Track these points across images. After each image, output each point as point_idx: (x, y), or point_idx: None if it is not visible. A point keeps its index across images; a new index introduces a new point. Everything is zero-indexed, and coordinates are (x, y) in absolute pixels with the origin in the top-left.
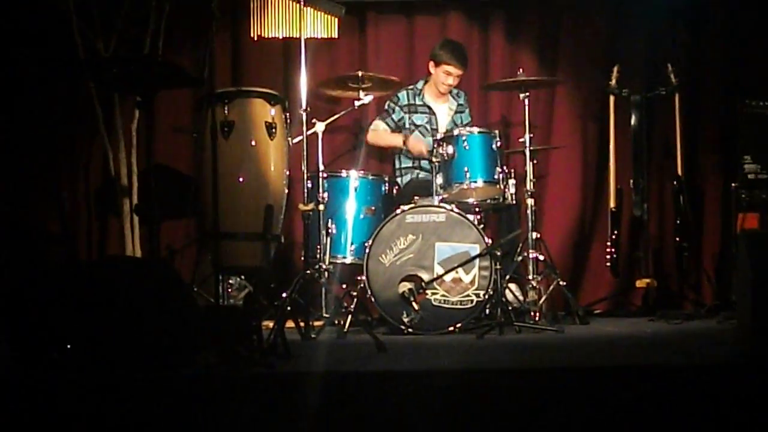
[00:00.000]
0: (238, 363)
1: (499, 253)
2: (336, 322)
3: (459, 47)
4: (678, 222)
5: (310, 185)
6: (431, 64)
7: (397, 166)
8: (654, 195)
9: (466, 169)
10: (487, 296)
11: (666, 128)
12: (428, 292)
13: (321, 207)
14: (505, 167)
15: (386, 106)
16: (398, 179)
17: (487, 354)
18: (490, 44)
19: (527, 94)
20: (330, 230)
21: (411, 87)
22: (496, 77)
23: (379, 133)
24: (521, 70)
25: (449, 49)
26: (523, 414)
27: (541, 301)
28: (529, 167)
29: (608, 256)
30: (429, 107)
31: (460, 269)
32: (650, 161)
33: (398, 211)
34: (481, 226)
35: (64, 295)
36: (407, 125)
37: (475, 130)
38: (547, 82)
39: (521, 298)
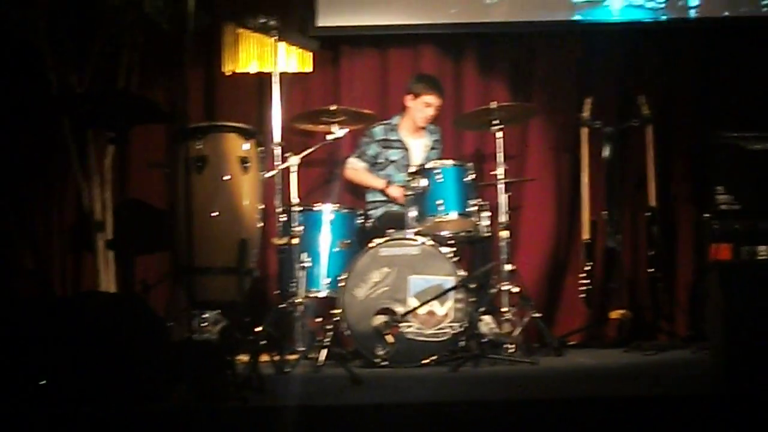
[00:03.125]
0: (212, 397)
1: (473, 286)
2: (310, 355)
3: (434, 78)
4: (651, 253)
5: (284, 219)
6: (409, 97)
7: (369, 199)
8: (627, 226)
9: (439, 201)
10: (461, 329)
11: (639, 160)
12: (402, 325)
13: (295, 241)
14: (478, 200)
15: (360, 143)
16: (371, 212)
17: (461, 387)
18: (463, 77)
19: (500, 126)
20: (304, 264)
21: (386, 122)
22: (470, 110)
23: (359, 172)
24: (494, 103)
25: (426, 81)
26: None
27: (515, 333)
28: (502, 199)
29: (582, 288)
30: (403, 143)
31: (434, 302)
32: (623, 193)
33: (372, 244)
34: (455, 258)
35: (38, 331)
36: (381, 160)
37: (449, 162)
38: (520, 108)
39: (496, 330)
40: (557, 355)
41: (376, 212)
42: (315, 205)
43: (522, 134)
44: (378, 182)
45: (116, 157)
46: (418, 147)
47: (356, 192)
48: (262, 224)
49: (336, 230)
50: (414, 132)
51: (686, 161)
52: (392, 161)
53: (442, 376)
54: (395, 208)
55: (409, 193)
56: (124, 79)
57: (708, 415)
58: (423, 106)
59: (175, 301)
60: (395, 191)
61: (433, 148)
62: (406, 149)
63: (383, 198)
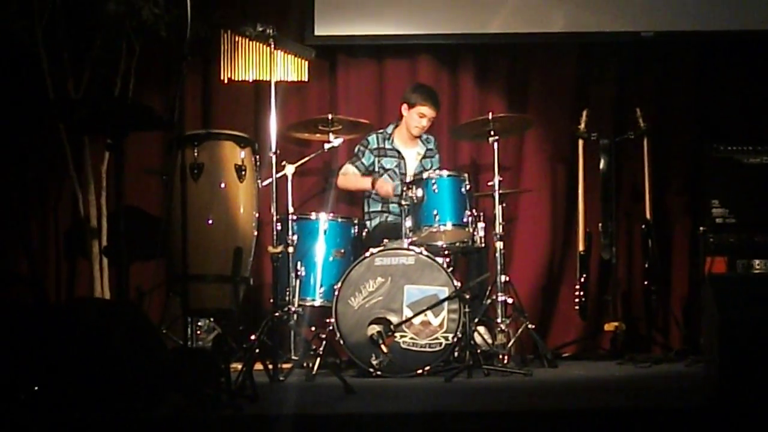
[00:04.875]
0: (206, 405)
1: (468, 296)
2: (304, 364)
3: (431, 90)
4: (646, 265)
5: (279, 227)
6: (404, 107)
7: (366, 209)
8: (622, 238)
9: (435, 212)
10: (455, 339)
11: (634, 172)
12: (397, 334)
13: (290, 249)
14: (474, 210)
15: (356, 150)
16: (367, 222)
17: (455, 397)
18: (460, 88)
19: (496, 137)
20: (299, 273)
21: (381, 131)
22: (466, 120)
23: (349, 177)
24: (491, 114)
25: (422, 92)
26: None
27: (509, 344)
28: (498, 210)
29: (577, 300)
30: (398, 151)
31: (428, 312)
32: (619, 205)
33: (367, 253)
34: (450, 269)
35: (33, 337)
36: (377, 169)
37: (445, 173)
38: (516, 120)
39: (490, 341)
40: (551, 367)
41: (373, 222)
42: (310, 213)
43: (518, 145)
44: (364, 182)
45: (112, 163)
46: (412, 156)
47: (352, 201)
48: (257, 232)
49: (331, 239)
50: (408, 141)
51: (682, 174)
52: (387, 169)
53: (436, 387)
54: (391, 218)
55: (405, 203)
56: (121, 86)
57: (701, 429)
58: (417, 117)
59: (169, 309)
60: (383, 187)
61: (425, 157)
62: (400, 158)
63: (381, 208)
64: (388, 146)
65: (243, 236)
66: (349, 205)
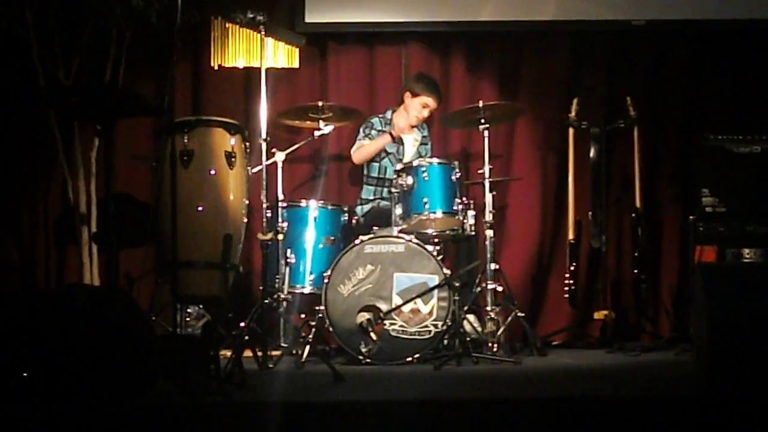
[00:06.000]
0: (195, 392)
1: (457, 284)
2: (294, 351)
3: (435, 81)
4: (636, 254)
5: (269, 215)
6: (407, 94)
7: (362, 195)
8: (612, 227)
9: (425, 199)
10: (445, 327)
11: (625, 161)
12: (386, 322)
13: (280, 237)
14: (464, 198)
15: (363, 129)
16: (358, 208)
17: (444, 385)
18: (451, 75)
19: (487, 125)
20: (289, 260)
21: (381, 116)
22: (457, 108)
23: (364, 145)
24: (481, 102)
25: (427, 82)
26: None
27: (499, 332)
28: (488, 198)
29: (566, 288)
30: (399, 136)
31: (418, 300)
32: (609, 193)
33: (357, 241)
34: (440, 256)
35: (22, 324)
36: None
37: (435, 161)
38: (507, 108)
39: (479, 329)
40: (540, 355)
41: (364, 208)
42: (300, 201)
43: (508, 133)
44: (382, 138)
45: (102, 149)
46: (409, 142)
47: (342, 189)
48: (246, 219)
49: (321, 226)
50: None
51: (672, 163)
52: (389, 153)
53: (425, 374)
54: (383, 203)
55: (395, 190)
56: (111, 72)
57: (690, 417)
58: (420, 107)
59: (159, 296)
60: (398, 127)
61: (422, 144)
62: (400, 143)
63: (373, 196)
64: (388, 130)
65: (233, 223)
66: (340, 192)
